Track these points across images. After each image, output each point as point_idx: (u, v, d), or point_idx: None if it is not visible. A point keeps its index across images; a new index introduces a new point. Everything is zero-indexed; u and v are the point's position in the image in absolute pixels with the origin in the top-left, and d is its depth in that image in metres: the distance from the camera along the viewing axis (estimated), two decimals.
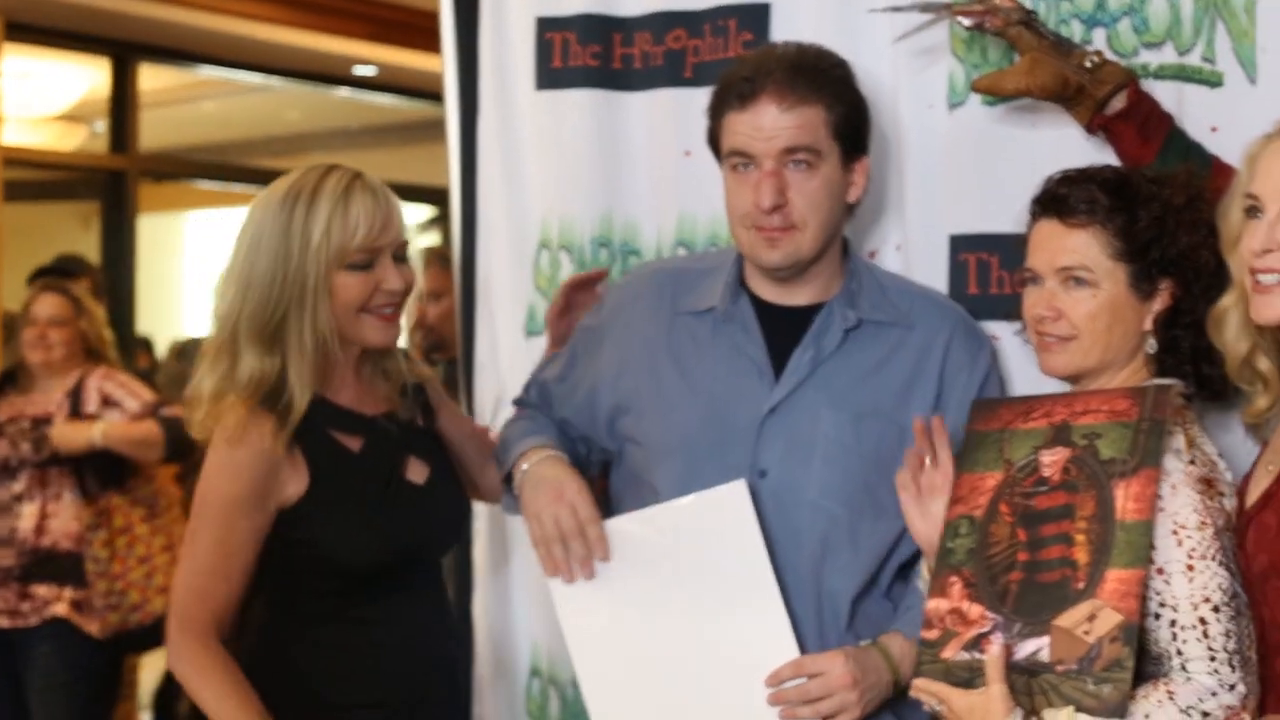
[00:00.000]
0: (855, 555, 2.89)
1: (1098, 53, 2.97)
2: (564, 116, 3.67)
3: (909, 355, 2.94)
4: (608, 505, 3.09)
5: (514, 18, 3.75)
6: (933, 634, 2.57)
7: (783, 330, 2.94)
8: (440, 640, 3.12)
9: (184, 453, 5.55)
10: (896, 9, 3.12)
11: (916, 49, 3.24)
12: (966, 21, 3.01)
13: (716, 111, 2.93)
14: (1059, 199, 2.68)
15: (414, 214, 9.90)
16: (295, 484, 2.91)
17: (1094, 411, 2.56)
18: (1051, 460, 2.56)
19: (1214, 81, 3.02)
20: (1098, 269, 2.63)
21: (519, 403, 3.25)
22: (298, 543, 2.93)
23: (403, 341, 3.18)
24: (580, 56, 3.64)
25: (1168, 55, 3.05)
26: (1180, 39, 3.05)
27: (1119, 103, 2.93)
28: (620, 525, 2.91)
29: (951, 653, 2.53)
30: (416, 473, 3.07)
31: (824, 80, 2.88)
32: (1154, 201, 2.65)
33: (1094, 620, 2.40)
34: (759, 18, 3.46)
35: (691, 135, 3.43)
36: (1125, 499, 2.45)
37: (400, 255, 2.96)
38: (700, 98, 3.34)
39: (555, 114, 3.68)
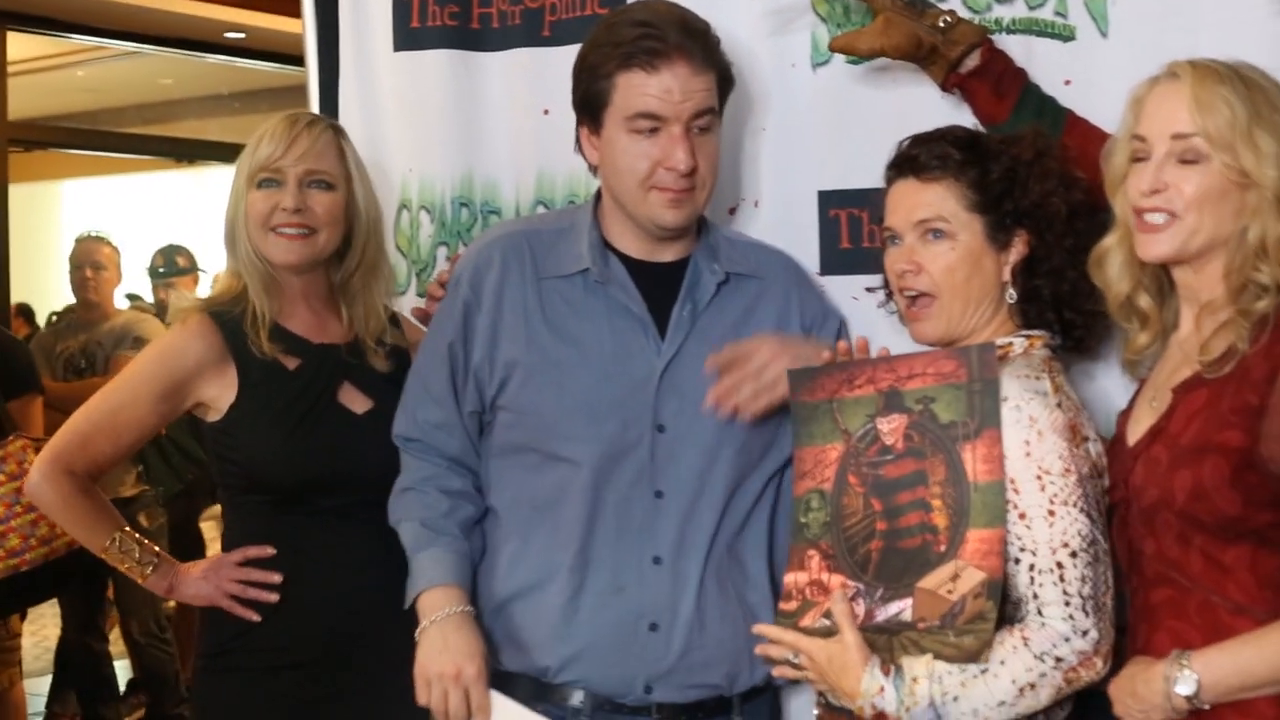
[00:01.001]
0: (754, 500, 2.94)
1: (950, 13, 2.99)
2: (423, 77, 3.65)
3: (771, 306, 2.99)
4: None
5: None
6: (791, 605, 2.59)
7: (653, 286, 2.96)
8: (378, 576, 3.11)
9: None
10: None
11: (778, 8, 3.24)
12: None
13: (609, 70, 2.87)
14: (912, 159, 2.72)
15: None
16: (224, 391, 3.17)
17: (921, 375, 2.58)
18: (891, 428, 2.58)
19: (1067, 36, 3.04)
20: (954, 220, 2.67)
21: (407, 440, 3.06)
22: (229, 459, 3.18)
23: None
24: (438, 17, 3.62)
25: (1019, 10, 3.07)
26: None
27: (972, 61, 2.96)
28: (519, 714, 2.86)
29: (810, 620, 2.55)
30: (355, 401, 3.22)
31: (715, 43, 2.90)
32: (1004, 155, 2.69)
33: (957, 580, 2.43)
34: None
35: (550, 94, 3.43)
36: (975, 461, 2.48)
37: (313, 183, 3.20)
38: (559, 56, 3.33)
39: (414, 75, 3.66)
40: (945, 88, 3.00)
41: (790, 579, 2.61)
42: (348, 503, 3.15)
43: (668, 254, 2.98)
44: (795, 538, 2.63)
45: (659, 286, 2.95)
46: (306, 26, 3.87)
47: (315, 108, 3.84)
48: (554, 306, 2.96)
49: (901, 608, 2.48)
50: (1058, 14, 3.04)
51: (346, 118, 3.75)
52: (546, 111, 3.49)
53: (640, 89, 2.83)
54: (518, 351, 2.95)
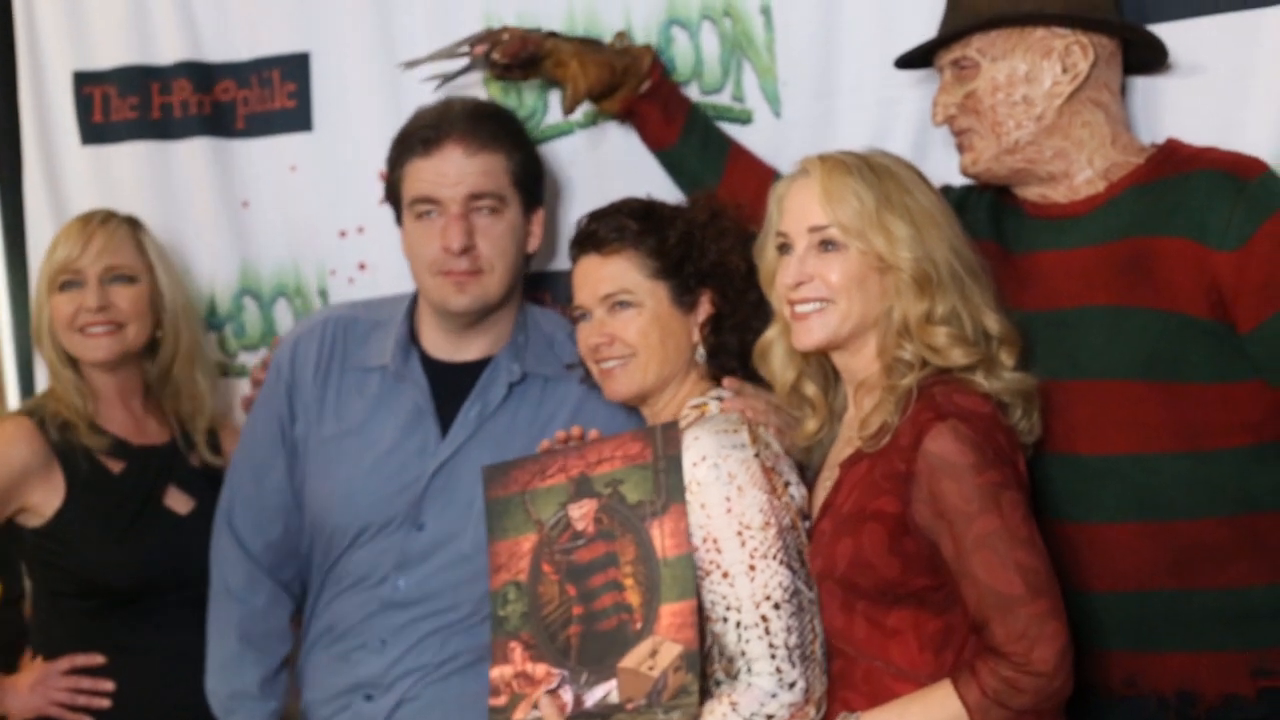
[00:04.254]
0: None
1: (619, 34, 3.13)
2: (112, 170, 3.64)
3: (569, 409, 2.99)
4: None
5: (51, 73, 3.70)
6: (500, 700, 2.61)
7: (451, 386, 2.98)
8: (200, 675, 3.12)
9: None
10: (422, 61, 3.16)
11: (453, 85, 3.23)
12: (498, 57, 3.07)
13: (397, 162, 2.94)
14: (591, 234, 2.76)
15: None
16: (49, 496, 3.14)
17: (609, 459, 2.62)
18: (581, 513, 2.61)
19: (745, 119, 3.18)
20: (638, 289, 2.72)
21: (231, 529, 3.11)
22: (57, 565, 3.14)
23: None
24: (121, 110, 3.62)
25: (692, 94, 3.19)
26: (705, 79, 3.20)
27: (644, 85, 3.09)
28: None
29: (522, 714, 2.58)
30: (179, 502, 3.23)
31: (505, 130, 2.95)
32: (679, 220, 2.76)
33: (656, 655, 2.48)
34: (300, 66, 3.50)
35: (248, 186, 3.48)
36: (663, 537, 2.53)
37: (115, 279, 3.21)
38: (254, 148, 3.35)
39: (103, 168, 3.65)
40: (624, 115, 3.13)
41: (496, 674, 2.63)
42: (177, 601, 3.15)
43: (471, 352, 3.01)
44: (495, 631, 2.65)
45: (458, 387, 2.98)
46: None
47: None
48: (349, 397, 3.01)
49: (608, 690, 2.51)
50: (735, 99, 3.17)
51: (34, 213, 3.71)
52: (246, 204, 3.53)
53: (417, 175, 2.90)
54: (308, 434, 3.01)
